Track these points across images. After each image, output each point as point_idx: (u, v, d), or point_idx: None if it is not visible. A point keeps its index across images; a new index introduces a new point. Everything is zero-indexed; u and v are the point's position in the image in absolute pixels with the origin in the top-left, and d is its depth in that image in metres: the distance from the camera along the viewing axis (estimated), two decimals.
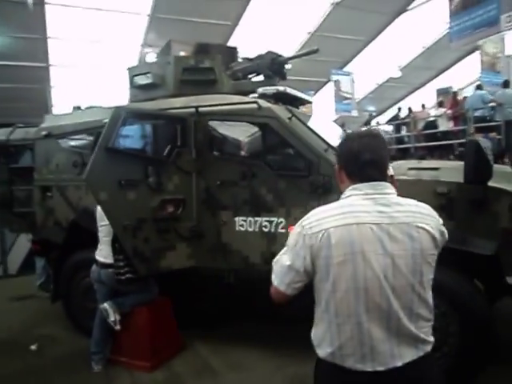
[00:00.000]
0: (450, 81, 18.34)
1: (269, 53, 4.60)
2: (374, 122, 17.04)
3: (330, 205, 1.56)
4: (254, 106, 3.74)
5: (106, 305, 3.72)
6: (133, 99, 4.89)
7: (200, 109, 3.92)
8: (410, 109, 12.15)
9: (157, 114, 3.96)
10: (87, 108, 5.00)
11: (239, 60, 4.87)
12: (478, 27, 9.79)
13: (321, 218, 1.51)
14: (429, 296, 1.53)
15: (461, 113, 9.64)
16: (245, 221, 3.82)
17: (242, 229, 3.83)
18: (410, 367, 1.47)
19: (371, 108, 21.86)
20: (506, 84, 8.97)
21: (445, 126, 9.79)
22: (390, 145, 10.33)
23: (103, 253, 3.77)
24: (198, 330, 4.37)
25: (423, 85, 22.15)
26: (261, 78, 4.75)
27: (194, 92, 4.38)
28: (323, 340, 1.54)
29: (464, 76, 18.66)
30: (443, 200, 3.22)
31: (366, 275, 1.44)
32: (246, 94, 4.22)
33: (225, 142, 4.11)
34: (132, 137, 4.05)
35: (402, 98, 22.28)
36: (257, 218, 3.77)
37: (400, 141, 11.27)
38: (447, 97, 12.83)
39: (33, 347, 4.27)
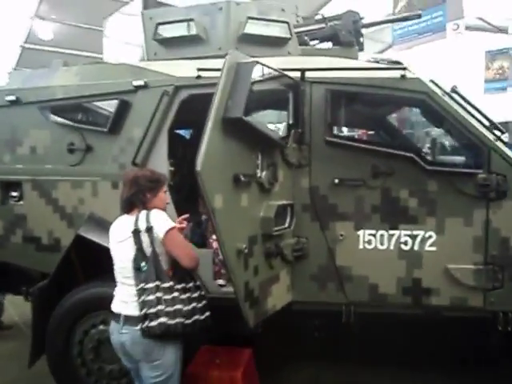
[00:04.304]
0: None
1: (349, 12, 3.52)
2: None
3: None
4: (397, 74, 2.66)
5: None
6: (152, 57, 3.39)
7: (309, 74, 2.70)
8: None
9: (283, 73, 2.57)
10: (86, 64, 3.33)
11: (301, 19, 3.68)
12: (423, 32, 9.84)
13: None
14: None
15: None
16: (373, 235, 2.72)
17: (368, 246, 2.72)
18: None
19: None
20: None
21: None
22: None
23: None
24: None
25: None
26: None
27: (256, 53, 3.13)
28: None
29: None
30: None
31: None
32: None
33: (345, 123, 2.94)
34: None
35: None
36: (393, 232, 2.70)
37: None
38: None
39: None
